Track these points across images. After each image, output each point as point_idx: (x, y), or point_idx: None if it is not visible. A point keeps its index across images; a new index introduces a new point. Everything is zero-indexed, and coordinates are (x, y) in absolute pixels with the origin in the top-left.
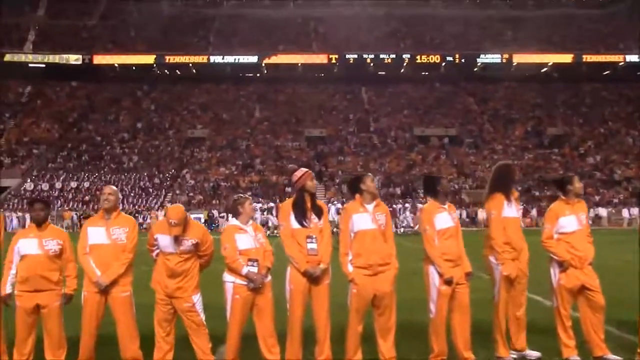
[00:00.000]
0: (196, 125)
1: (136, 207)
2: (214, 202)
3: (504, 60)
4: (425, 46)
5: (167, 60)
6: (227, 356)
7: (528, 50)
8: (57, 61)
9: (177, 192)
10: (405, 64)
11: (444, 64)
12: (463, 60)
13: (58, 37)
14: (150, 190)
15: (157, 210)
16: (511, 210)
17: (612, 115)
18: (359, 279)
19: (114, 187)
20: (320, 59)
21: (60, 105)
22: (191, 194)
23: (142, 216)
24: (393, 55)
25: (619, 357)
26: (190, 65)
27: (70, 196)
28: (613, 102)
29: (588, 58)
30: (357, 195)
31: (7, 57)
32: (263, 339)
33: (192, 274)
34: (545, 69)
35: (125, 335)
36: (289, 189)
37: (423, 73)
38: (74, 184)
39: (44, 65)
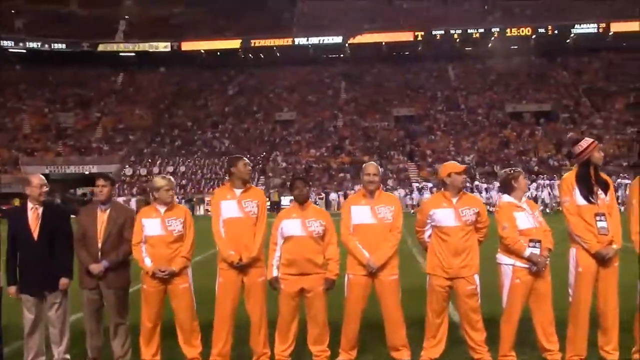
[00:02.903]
0: (283, 108)
1: None
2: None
3: (601, 30)
4: (515, 18)
5: (252, 45)
6: (503, 347)
7: (627, 18)
8: (147, 49)
9: (270, 174)
10: (493, 38)
11: (534, 36)
12: (556, 32)
13: (147, 25)
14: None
15: None
16: None
17: None
18: None
19: (376, 165)
20: (406, 36)
21: (151, 92)
22: (284, 176)
23: None
24: (481, 30)
25: None
26: (275, 48)
27: None
28: None
29: None
30: None
31: (101, 47)
32: (541, 326)
33: (476, 250)
34: None
35: (392, 321)
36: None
37: (513, 47)
38: (170, 169)
39: (134, 54)
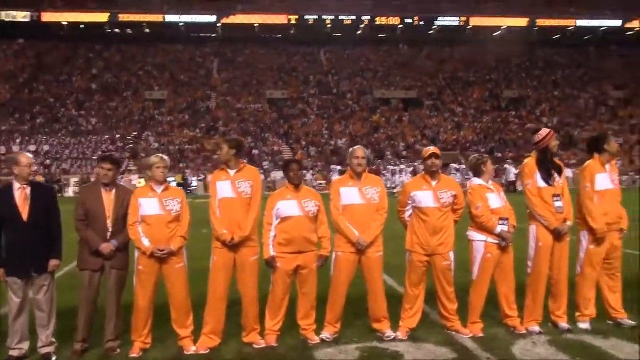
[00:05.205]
0: (154, 87)
1: None
2: (181, 165)
3: (462, 23)
4: (384, 8)
5: (120, 19)
6: (472, 315)
7: (485, 13)
8: (3, 18)
9: (142, 155)
10: (363, 26)
11: (401, 26)
12: (422, 23)
13: None
14: (114, 153)
15: (128, 174)
16: None
17: (564, 78)
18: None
19: (363, 149)
20: (280, 19)
21: (8, 64)
22: None
23: None
24: (353, 17)
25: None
26: (144, 24)
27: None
28: (564, 66)
29: (542, 22)
30: (597, 155)
31: None
32: (505, 296)
33: (451, 229)
34: (499, 32)
35: (376, 295)
36: (255, 152)
37: (381, 35)
38: (32, 148)
39: None
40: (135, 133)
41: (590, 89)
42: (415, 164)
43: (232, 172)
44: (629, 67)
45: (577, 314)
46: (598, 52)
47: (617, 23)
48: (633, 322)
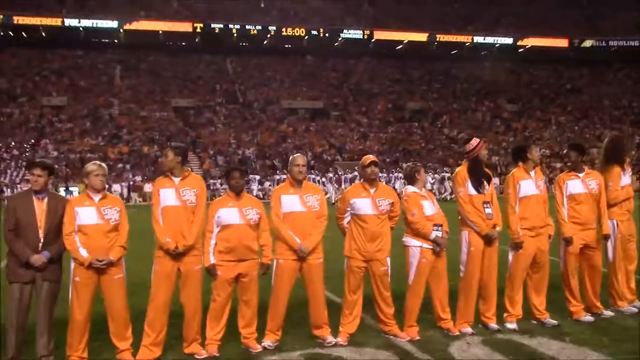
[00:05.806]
0: (52, 93)
1: None
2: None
3: (365, 37)
4: (290, 19)
5: (15, 22)
6: (409, 318)
7: (387, 28)
8: None
9: None
10: (270, 36)
11: (307, 37)
12: (327, 35)
13: None
14: (9, 161)
15: (24, 184)
16: (626, 178)
17: (462, 92)
18: (525, 240)
19: (303, 157)
20: (185, 27)
21: None
22: (57, 166)
23: (9, 190)
24: (259, 27)
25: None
26: (41, 28)
27: None
28: (462, 80)
29: (441, 38)
30: (521, 163)
31: None
32: (439, 299)
33: (388, 235)
34: (400, 47)
35: (317, 301)
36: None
37: (287, 46)
38: None
39: None
40: (32, 141)
41: (486, 102)
42: (339, 172)
43: (176, 180)
44: (521, 82)
45: (505, 314)
46: (493, 67)
47: (509, 41)
48: (555, 322)
